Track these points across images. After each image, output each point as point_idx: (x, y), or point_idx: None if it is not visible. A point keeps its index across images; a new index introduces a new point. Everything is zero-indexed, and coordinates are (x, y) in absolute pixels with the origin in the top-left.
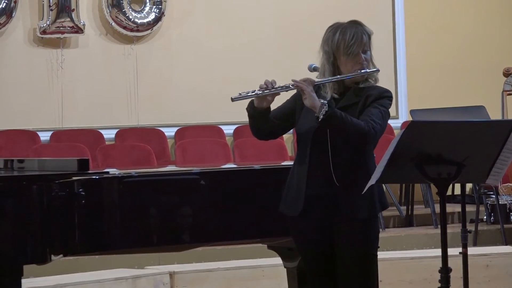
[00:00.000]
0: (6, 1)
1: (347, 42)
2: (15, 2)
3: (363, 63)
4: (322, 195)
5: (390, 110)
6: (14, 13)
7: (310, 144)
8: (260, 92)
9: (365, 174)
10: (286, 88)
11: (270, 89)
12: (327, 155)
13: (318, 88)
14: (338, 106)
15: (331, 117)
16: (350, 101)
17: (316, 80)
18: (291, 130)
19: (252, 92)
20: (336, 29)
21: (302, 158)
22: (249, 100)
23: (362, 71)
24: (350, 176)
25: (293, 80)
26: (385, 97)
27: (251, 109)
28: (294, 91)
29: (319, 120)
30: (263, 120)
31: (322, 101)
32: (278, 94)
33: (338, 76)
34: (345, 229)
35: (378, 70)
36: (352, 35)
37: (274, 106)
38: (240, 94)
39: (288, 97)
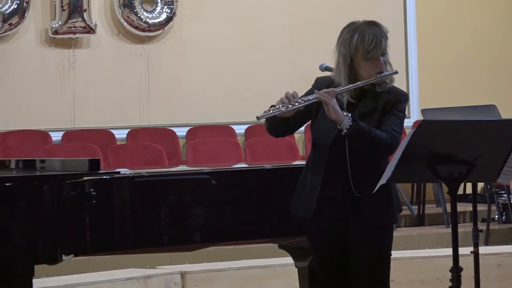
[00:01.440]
0: (18, 2)
1: (366, 46)
2: (27, 3)
3: (382, 66)
4: (337, 197)
5: None
6: (26, 14)
7: (328, 151)
8: (284, 108)
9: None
10: (308, 101)
11: (293, 104)
12: (344, 162)
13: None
14: (355, 112)
15: (355, 132)
16: (368, 108)
17: (338, 90)
18: (301, 128)
19: (277, 110)
20: (353, 31)
21: (317, 162)
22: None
23: (381, 74)
24: (368, 183)
25: (316, 92)
26: (402, 101)
27: (270, 118)
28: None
29: (342, 133)
30: (281, 126)
31: (346, 113)
32: (301, 108)
33: (359, 82)
34: (361, 231)
35: (396, 72)
36: (371, 40)
37: None
38: (265, 112)
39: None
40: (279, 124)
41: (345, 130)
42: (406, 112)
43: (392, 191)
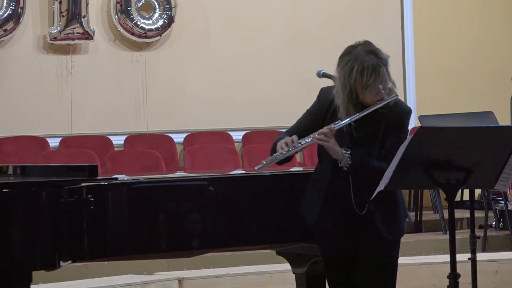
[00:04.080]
0: (12, 7)
1: (365, 80)
2: (21, 8)
3: (381, 94)
4: (339, 212)
5: None
6: (21, 19)
7: (331, 165)
8: (282, 155)
9: (389, 195)
10: (306, 144)
11: (291, 149)
12: (347, 179)
13: (337, 112)
14: (358, 136)
15: (355, 169)
16: (370, 131)
17: (336, 126)
18: None
19: (275, 158)
20: (353, 62)
21: (323, 171)
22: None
23: (382, 102)
24: (372, 199)
25: (313, 137)
26: (404, 120)
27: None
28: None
29: (344, 170)
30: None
31: (345, 152)
32: (298, 151)
33: (357, 114)
34: (368, 239)
35: (396, 96)
36: (370, 73)
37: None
38: (263, 162)
39: (308, 107)
40: (285, 161)
41: (345, 169)
42: None
43: (400, 205)
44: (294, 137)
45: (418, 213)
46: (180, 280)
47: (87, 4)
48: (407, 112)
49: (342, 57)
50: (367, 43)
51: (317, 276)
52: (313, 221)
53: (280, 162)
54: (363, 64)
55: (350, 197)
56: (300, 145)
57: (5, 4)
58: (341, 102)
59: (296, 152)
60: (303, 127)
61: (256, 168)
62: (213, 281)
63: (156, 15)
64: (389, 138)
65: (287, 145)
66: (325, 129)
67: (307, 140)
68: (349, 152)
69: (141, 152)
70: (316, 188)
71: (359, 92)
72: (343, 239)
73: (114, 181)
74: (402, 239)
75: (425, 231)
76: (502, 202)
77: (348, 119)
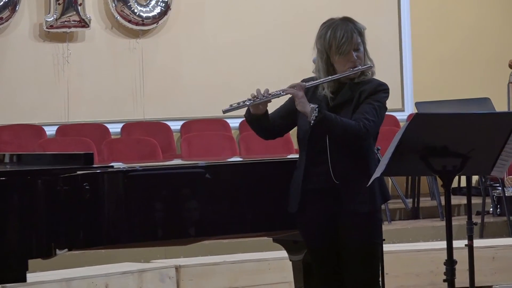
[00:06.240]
0: None
1: (337, 41)
2: None
3: (355, 61)
4: (320, 190)
5: (395, 102)
6: (17, 7)
7: (308, 142)
8: (250, 101)
9: (365, 168)
10: (276, 95)
11: (260, 98)
12: (325, 152)
13: (315, 87)
14: (333, 104)
15: (322, 121)
16: (345, 98)
17: (307, 84)
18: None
19: (243, 103)
20: (328, 27)
21: (301, 155)
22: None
23: (355, 69)
24: (349, 171)
25: (283, 89)
26: (379, 91)
27: (248, 116)
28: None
29: (311, 124)
30: (262, 124)
31: (312, 105)
32: (269, 101)
33: (329, 77)
34: (347, 222)
35: (370, 67)
36: (342, 35)
37: (276, 105)
38: (231, 105)
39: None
40: (258, 123)
41: (312, 122)
42: (401, 105)
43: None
44: (266, 89)
45: (416, 199)
46: (177, 268)
47: None
48: (383, 85)
49: (319, 27)
50: (344, 17)
51: None
52: (295, 208)
53: (255, 121)
54: (337, 27)
55: (329, 169)
56: (270, 95)
57: None
58: (321, 72)
59: (265, 102)
60: (282, 108)
61: (223, 110)
62: (210, 269)
63: (153, 2)
64: (362, 104)
65: (257, 93)
66: (294, 83)
67: (277, 92)
68: (316, 106)
69: (138, 140)
70: (296, 174)
71: (333, 58)
72: (325, 225)
73: (110, 169)
74: (400, 226)
75: (423, 218)
76: (500, 188)
77: (320, 81)
